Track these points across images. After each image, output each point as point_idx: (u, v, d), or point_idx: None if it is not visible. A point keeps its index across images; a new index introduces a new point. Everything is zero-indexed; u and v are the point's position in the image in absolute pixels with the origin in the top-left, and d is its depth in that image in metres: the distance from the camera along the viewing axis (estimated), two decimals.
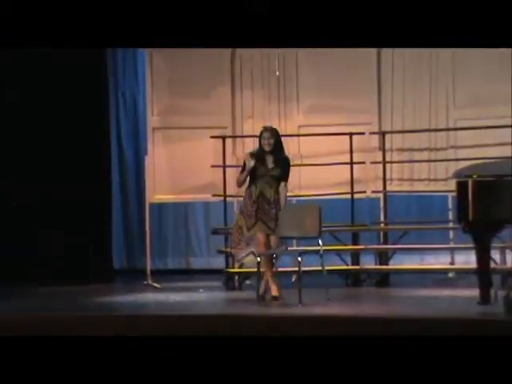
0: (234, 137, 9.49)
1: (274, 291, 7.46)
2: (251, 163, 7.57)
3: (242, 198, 9.47)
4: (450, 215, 9.03)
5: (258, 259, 7.51)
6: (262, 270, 7.50)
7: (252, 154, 7.66)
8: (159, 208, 10.33)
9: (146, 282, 9.17)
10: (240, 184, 7.76)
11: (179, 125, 9.49)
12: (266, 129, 7.71)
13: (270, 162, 7.62)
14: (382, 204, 9.18)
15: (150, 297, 8.48)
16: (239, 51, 9.48)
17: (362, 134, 9.15)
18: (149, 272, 9.25)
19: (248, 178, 7.66)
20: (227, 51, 9.46)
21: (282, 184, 7.62)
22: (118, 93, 10.53)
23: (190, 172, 9.41)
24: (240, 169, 7.77)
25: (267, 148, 7.59)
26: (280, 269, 7.85)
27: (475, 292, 6.68)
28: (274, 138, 7.60)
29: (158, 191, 9.52)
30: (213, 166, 9.25)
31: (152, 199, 9.53)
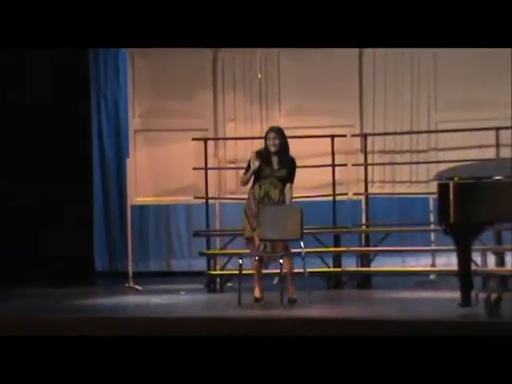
0: (215, 139, 9.49)
1: (292, 293, 7.40)
2: (256, 164, 7.49)
3: (223, 201, 9.52)
4: (432, 217, 9.07)
5: (240, 261, 7.50)
6: (255, 272, 7.42)
7: (257, 154, 7.56)
8: (141, 210, 10.31)
9: (127, 285, 9.15)
10: (244, 184, 7.68)
11: (161, 127, 9.47)
12: (271, 129, 7.63)
13: (276, 163, 7.53)
14: (363, 206, 9.20)
15: (131, 299, 8.46)
16: (221, 54, 9.48)
17: (344, 136, 9.17)
18: (131, 274, 9.23)
19: (252, 178, 7.58)
20: (209, 53, 9.46)
21: (288, 185, 7.53)
22: (99, 95, 10.50)
23: (172, 174, 9.40)
24: (244, 170, 7.68)
25: (273, 149, 7.51)
26: (262, 271, 7.83)
27: (456, 294, 6.70)
28: (280, 139, 7.50)
29: (140, 193, 9.50)
30: (194, 169, 9.25)
31: (134, 201, 9.51)
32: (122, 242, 10.18)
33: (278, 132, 7.55)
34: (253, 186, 7.61)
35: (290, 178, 7.54)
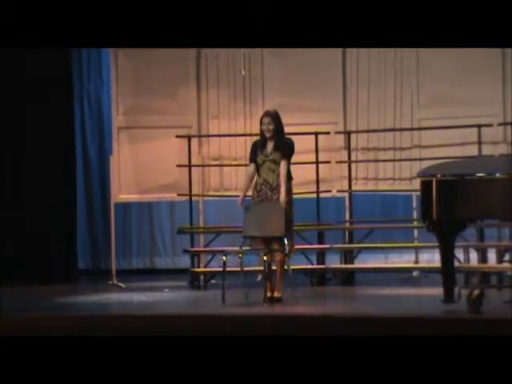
0: (199, 136, 9.48)
1: (278, 291, 7.32)
2: (239, 199, 7.40)
3: (207, 198, 9.52)
4: (415, 214, 9.10)
5: (224, 258, 7.49)
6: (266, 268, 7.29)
7: (255, 143, 7.45)
8: (124, 208, 10.29)
9: (110, 282, 9.13)
10: (244, 191, 7.45)
11: (144, 124, 9.45)
12: (266, 114, 7.44)
13: (270, 148, 7.36)
14: (347, 203, 9.22)
15: (114, 297, 8.43)
16: (205, 50, 9.47)
17: (328, 133, 9.18)
18: (114, 272, 9.21)
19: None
20: (192, 50, 9.44)
21: (282, 163, 7.28)
22: (82, 92, 10.47)
23: (156, 171, 9.38)
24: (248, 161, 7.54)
25: (267, 134, 7.33)
26: (245, 268, 7.83)
27: (439, 290, 6.73)
28: (274, 124, 7.30)
29: (123, 191, 9.48)
30: (178, 166, 9.23)
31: (117, 199, 9.48)
32: (104, 239, 10.16)
33: (273, 116, 7.35)
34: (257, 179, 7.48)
35: (284, 155, 7.30)
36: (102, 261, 10.30)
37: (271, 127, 7.35)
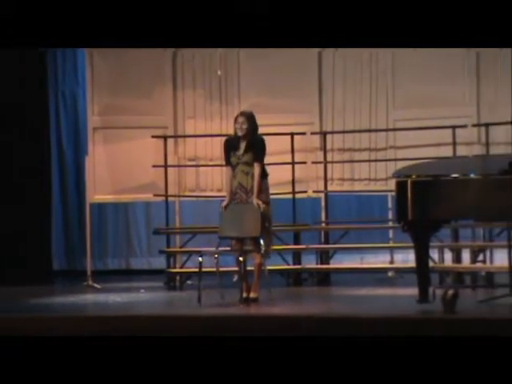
0: (175, 137, 9.46)
1: (254, 291, 7.32)
2: (223, 203, 7.40)
3: (183, 198, 9.50)
4: (390, 215, 9.14)
5: (200, 259, 7.49)
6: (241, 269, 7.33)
7: (226, 141, 7.45)
8: (100, 208, 10.25)
9: (86, 283, 9.09)
10: (229, 195, 7.42)
11: (120, 124, 9.42)
12: (240, 113, 7.47)
13: (243, 148, 7.36)
14: (323, 204, 9.25)
15: (90, 298, 8.40)
16: (181, 50, 9.46)
17: (303, 134, 9.21)
18: (89, 273, 9.17)
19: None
20: (168, 50, 9.43)
21: (255, 165, 7.30)
22: (57, 92, 10.42)
23: (131, 172, 9.35)
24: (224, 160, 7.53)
25: (239, 133, 7.33)
26: (221, 269, 7.83)
27: (414, 290, 6.76)
28: (248, 124, 7.31)
29: (99, 191, 9.44)
30: (154, 166, 9.21)
31: (92, 199, 9.44)
32: (80, 240, 10.11)
33: (247, 117, 7.38)
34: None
35: (256, 157, 7.34)
36: (78, 262, 10.25)
37: (244, 126, 7.36)
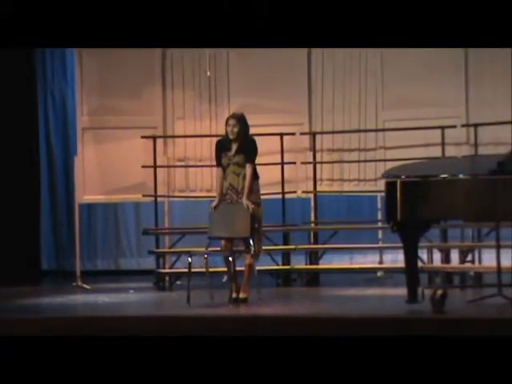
0: (164, 137, 9.46)
1: (243, 292, 7.32)
2: (213, 204, 7.40)
3: (172, 199, 9.50)
4: (379, 215, 9.16)
5: (190, 259, 7.48)
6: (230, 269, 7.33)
7: (218, 142, 7.45)
8: (89, 208, 10.24)
9: (75, 284, 9.07)
10: (219, 196, 7.42)
11: (109, 125, 9.41)
12: (232, 115, 7.45)
13: (234, 150, 7.35)
14: (312, 204, 9.26)
15: (79, 298, 8.38)
16: (170, 51, 9.45)
17: (293, 134, 9.21)
18: (78, 273, 9.15)
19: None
20: (158, 51, 9.42)
21: (246, 166, 7.30)
22: (46, 92, 10.40)
23: (121, 172, 9.34)
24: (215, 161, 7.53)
25: (231, 136, 7.33)
26: (210, 269, 7.83)
27: (403, 290, 6.78)
28: (239, 126, 7.30)
29: (88, 192, 9.43)
30: (143, 167, 9.21)
31: (81, 200, 9.43)
32: (69, 240, 10.09)
33: (239, 119, 7.36)
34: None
35: (248, 158, 7.33)
36: (66, 262, 10.23)
37: (236, 129, 7.36)
